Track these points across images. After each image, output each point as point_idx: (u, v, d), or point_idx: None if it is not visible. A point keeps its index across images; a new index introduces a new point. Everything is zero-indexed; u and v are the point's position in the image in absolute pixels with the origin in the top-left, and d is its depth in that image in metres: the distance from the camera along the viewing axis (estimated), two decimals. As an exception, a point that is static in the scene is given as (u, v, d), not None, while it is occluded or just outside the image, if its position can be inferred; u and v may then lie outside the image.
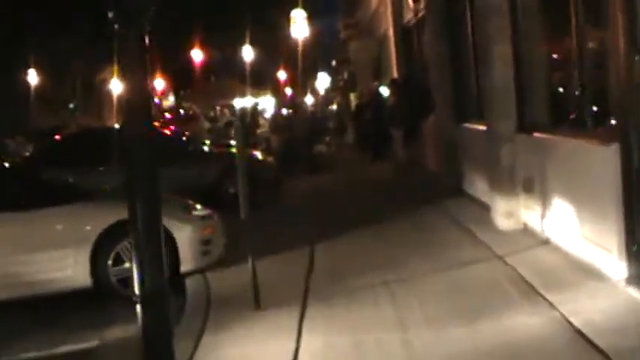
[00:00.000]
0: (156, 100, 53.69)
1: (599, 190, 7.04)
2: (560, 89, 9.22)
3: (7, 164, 14.19)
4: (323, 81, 54.16)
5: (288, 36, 28.95)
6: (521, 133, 9.59)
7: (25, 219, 8.97)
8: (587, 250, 7.40)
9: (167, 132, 20.28)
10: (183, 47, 40.94)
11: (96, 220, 8.99)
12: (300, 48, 27.73)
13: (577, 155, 7.63)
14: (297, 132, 24.06)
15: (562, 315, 6.28)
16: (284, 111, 36.01)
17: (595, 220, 7.23)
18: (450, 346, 6.10)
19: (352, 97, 37.73)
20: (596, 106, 7.58)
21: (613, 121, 7.00)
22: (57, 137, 18.12)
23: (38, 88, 40.03)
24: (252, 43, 37.82)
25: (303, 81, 33.74)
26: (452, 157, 13.44)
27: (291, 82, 46.26)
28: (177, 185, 13.64)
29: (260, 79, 45.98)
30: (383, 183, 17.08)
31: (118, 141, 15.57)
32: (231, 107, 37.80)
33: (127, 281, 8.73)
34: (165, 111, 48.12)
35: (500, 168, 9.92)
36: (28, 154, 19.24)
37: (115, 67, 3.64)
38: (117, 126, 26.11)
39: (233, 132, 13.22)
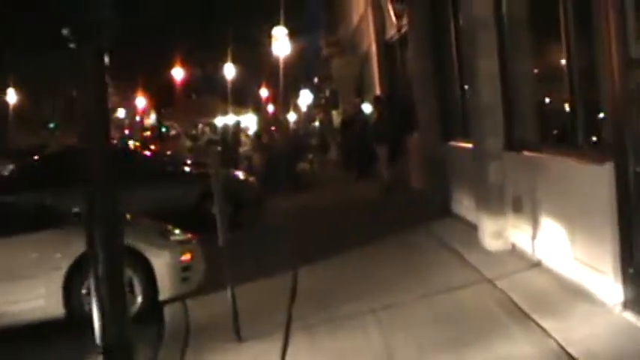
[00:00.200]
0: (137, 118, 53.54)
1: (593, 210, 6.76)
2: (550, 105, 8.95)
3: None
4: (305, 98, 53.92)
5: (269, 53, 28.75)
6: (509, 150, 9.33)
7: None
8: (580, 273, 7.12)
9: (146, 152, 20.07)
10: (164, 65, 40.70)
11: (68, 247, 8.61)
12: (281, 65, 27.54)
13: (569, 174, 7.35)
14: (279, 150, 23.82)
15: (558, 343, 5.99)
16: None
17: (588, 242, 6.94)
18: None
19: (335, 114, 37.53)
20: (587, 122, 7.30)
21: (605, 138, 6.72)
22: (35, 157, 17.72)
23: (17, 107, 39.65)
24: (233, 61, 37.67)
25: (285, 98, 33.52)
26: (438, 176, 13.18)
27: (273, 99, 46.05)
28: (156, 207, 13.46)
29: (242, 97, 45.77)
30: (368, 202, 16.83)
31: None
32: (213, 125, 37.48)
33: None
34: (147, 129, 47.81)
35: (487, 187, 9.66)
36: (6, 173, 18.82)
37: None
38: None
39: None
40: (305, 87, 52.71)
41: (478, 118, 9.98)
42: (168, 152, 24.91)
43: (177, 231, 9.69)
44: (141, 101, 47.85)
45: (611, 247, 6.41)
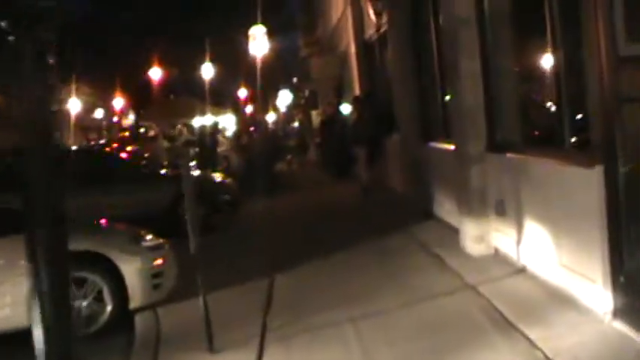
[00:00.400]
0: (114, 118, 53.04)
1: (580, 214, 6.48)
2: (535, 105, 8.68)
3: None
4: (284, 98, 53.62)
5: (248, 53, 28.41)
6: (492, 152, 9.06)
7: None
8: (567, 280, 6.84)
9: (122, 154, 19.82)
10: (142, 64, 40.37)
11: (35, 254, 8.26)
12: (260, 65, 27.25)
13: (555, 177, 7.07)
14: (258, 150, 23.55)
15: (544, 354, 5.73)
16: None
17: (576, 247, 6.67)
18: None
19: (314, 114, 37.29)
20: (574, 123, 7.03)
21: (594, 140, 6.45)
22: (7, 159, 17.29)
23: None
24: (212, 61, 37.32)
25: (263, 98, 33.24)
26: (418, 178, 12.92)
27: (252, 99, 45.73)
28: (130, 210, 13.18)
29: (220, 97, 45.42)
30: (347, 204, 16.59)
31: (72, 162, 15.10)
32: (190, 126, 37.05)
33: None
34: (125, 130, 47.32)
35: (469, 189, 9.39)
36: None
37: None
38: (74, 147, 25.62)
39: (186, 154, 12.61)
40: (284, 87, 52.42)
41: (460, 119, 9.71)
42: (146, 154, 24.55)
43: (149, 236, 9.36)
44: (119, 102, 47.35)
45: (600, 253, 6.13)
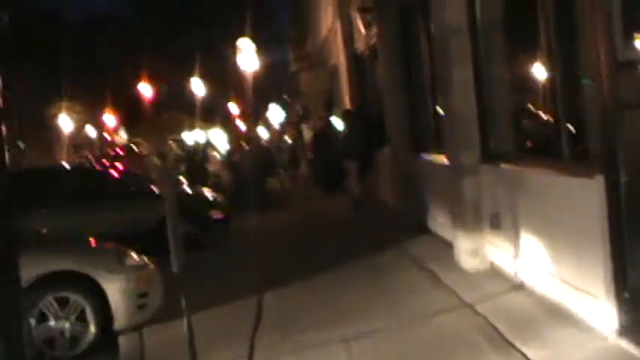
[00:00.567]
0: (106, 136, 52.77)
1: (581, 227, 6.21)
2: (530, 114, 8.44)
3: None
4: (276, 114, 53.41)
5: (238, 68, 28.25)
6: (486, 163, 8.81)
7: None
8: (568, 296, 6.56)
9: (112, 171, 19.90)
10: (131, 80, 40.22)
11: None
12: (250, 80, 27.11)
13: (553, 188, 6.82)
14: (249, 167, 23.31)
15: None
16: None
17: (576, 262, 6.40)
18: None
19: (305, 128, 37.09)
20: (572, 131, 6.78)
21: (592, 149, 6.19)
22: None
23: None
24: (201, 76, 37.15)
25: (254, 114, 33.07)
26: (410, 191, 12.69)
27: (243, 115, 45.49)
28: (117, 228, 13.00)
29: (210, 113, 45.20)
30: (338, 219, 16.42)
31: (65, 181, 15.08)
32: (180, 142, 36.83)
33: (53, 342, 8.32)
34: (116, 147, 47.04)
35: (463, 202, 9.14)
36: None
37: None
38: (65, 164, 25.37)
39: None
40: (275, 102, 52.21)
41: (452, 130, 9.48)
42: (139, 171, 24.37)
43: (134, 255, 9.11)
44: (109, 119, 47.10)
45: (602, 267, 5.85)
